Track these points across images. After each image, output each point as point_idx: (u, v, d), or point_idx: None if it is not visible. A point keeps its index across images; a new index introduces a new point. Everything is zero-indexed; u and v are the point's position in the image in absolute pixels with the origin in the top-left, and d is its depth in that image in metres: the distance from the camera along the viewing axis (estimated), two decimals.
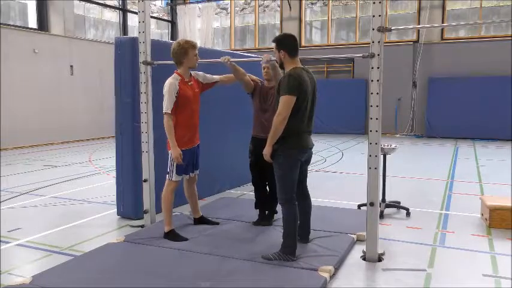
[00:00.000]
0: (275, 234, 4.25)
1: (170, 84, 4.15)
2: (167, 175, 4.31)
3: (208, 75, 4.55)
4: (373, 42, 3.62)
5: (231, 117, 6.52)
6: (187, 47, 4.23)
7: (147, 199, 4.75)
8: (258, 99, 4.59)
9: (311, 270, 3.43)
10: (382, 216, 4.95)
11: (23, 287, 3.21)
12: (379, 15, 3.57)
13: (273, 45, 3.79)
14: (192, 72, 4.40)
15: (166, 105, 4.12)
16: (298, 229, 4.17)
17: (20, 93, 12.15)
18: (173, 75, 4.25)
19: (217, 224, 4.72)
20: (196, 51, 4.30)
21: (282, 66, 3.83)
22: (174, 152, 4.13)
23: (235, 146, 6.39)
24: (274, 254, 3.68)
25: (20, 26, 12.79)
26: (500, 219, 4.64)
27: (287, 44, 3.73)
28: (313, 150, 3.98)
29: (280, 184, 3.71)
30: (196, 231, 4.46)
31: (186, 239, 4.18)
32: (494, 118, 13.61)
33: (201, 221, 4.73)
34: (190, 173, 4.49)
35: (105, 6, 16.15)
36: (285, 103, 3.53)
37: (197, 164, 4.52)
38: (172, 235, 4.23)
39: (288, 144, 3.65)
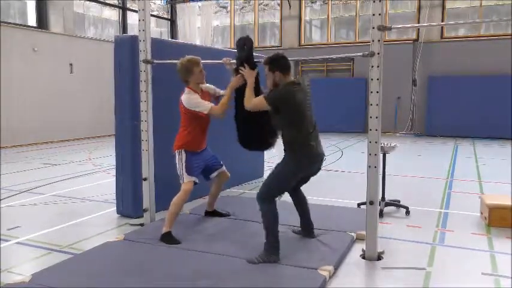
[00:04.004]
0: None
1: (190, 95, 4.13)
2: (180, 180, 4.25)
3: (217, 89, 4.49)
4: (373, 40, 3.62)
5: (231, 116, 6.48)
6: (190, 65, 4.18)
7: (147, 197, 4.74)
8: None
9: (311, 269, 3.43)
10: (381, 215, 4.96)
11: (22, 286, 3.21)
12: (379, 14, 3.57)
13: (266, 67, 3.76)
14: (203, 86, 4.36)
15: (205, 105, 4.10)
16: (301, 226, 4.20)
17: (19, 92, 12.13)
18: (187, 91, 4.19)
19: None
20: (201, 67, 4.23)
21: (276, 86, 3.76)
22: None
23: (235, 145, 6.36)
24: (257, 257, 3.61)
25: (19, 24, 12.76)
26: (499, 218, 4.64)
27: (280, 64, 3.74)
28: None
29: (272, 181, 3.70)
30: (196, 230, 4.46)
31: (179, 243, 4.06)
32: (494, 117, 13.60)
33: (212, 214, 4.88)
34: (213, 173, 4.55)
35: (105, 4, 16.13)
36: (258, 102, 3.72)
37: (215, 163, 4.54)
38: (168, 238, 4.10)
39: (300, 152, 3.69)
